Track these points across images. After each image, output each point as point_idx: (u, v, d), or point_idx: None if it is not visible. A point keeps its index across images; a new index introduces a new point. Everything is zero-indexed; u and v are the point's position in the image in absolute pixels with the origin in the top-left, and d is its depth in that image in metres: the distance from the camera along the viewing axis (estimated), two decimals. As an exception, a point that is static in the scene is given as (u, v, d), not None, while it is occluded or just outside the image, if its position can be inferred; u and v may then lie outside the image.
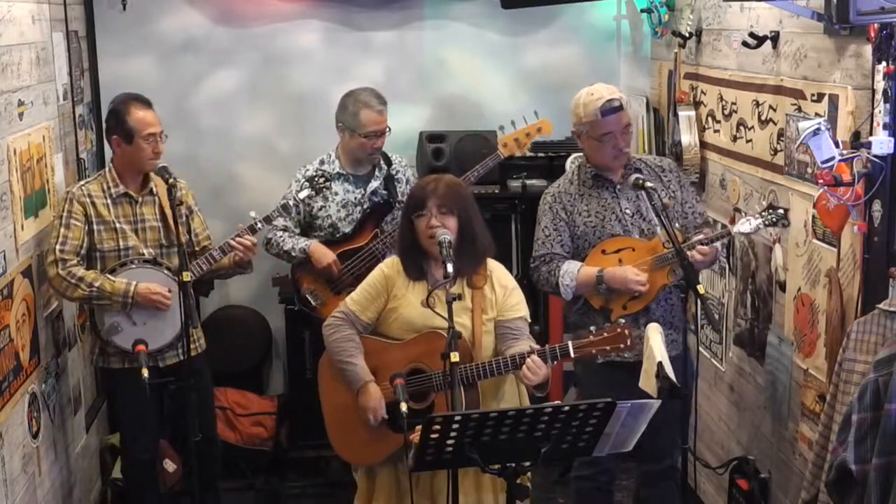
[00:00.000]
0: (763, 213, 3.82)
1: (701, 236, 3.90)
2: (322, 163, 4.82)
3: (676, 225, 3.96)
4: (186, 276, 3.86)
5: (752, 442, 4.37)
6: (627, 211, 4.01)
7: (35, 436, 4.05)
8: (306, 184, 4.51)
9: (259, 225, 4.35)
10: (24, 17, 4.22)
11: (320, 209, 4.77)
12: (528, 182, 5.50)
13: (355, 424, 3.67)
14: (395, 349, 3.61)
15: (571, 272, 3.95)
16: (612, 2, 5.84)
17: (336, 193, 4.78)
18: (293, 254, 4.71)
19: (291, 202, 4.53)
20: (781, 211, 3.79)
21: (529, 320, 3.74)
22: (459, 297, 3.50)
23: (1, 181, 3.81)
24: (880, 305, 3.19)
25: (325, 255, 4.68)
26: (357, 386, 3.60)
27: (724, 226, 4.32)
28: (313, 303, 4.77)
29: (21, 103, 4.09)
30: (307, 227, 4.83)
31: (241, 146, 5.76)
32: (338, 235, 4.77)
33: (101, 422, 5.22)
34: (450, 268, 3.37)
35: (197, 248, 4.40)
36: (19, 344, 3.90)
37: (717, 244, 3.90)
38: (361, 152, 4.75)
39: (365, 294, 3.71)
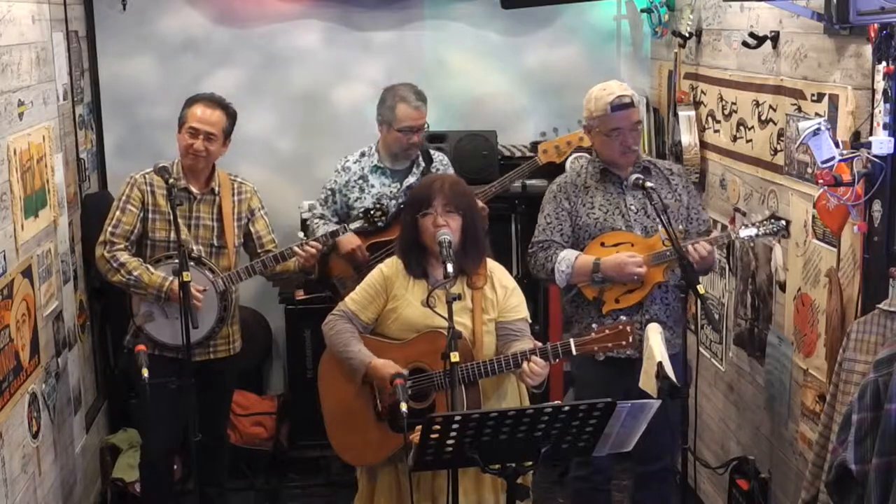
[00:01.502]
0: (763, 223, 3.83)
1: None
2: (363, 154, 4.85)
3: (680, 227, 3.98)
4: (187, 277, 3.88)
5: (752, 442, 4.37)
6: (632, 207, 4.02)
7: (35, 436, 4.05)
8: (360, 215, 4.54)
9: (342, 232, 4.50)
10: (24, 17, 4.22)
11: (356, 200, 4.80)
12: (528, 182, 5.49)
13: (355, 425, 3.67)
14: (396, 349, 3.61)
15: (568, 259, 3.98)
16: (612, 2, 5.84)
17: (372, 186, 4.80)
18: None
19: (328, 192, 4.81)
20: (783, 222, 3.81)
21: (530, 321, 3.75)
22: (459, 297, 3.50)
23: (1, 181, 3.82)
24: (880, 305, 3.19)
25: (349, 241, 4.69)
26: (363, 370, 3.59)
27: (724, 227, 4.32)
28: (341, 290, 4.79)
29: (21, 103, 4.09)
30: (344, 217, 4.86)
31: (241, 146, 5.72)
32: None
33: (101, 422, 5.22)
34: (450, 268, 3.38)
35: (260, 251, 4.44)
36: (19, 344, 3.90)
37: (714, 249, 3.92)
38: (397, 146, 4.77)
39: (363, 294, 3.71)
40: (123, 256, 4.24)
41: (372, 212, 4.51)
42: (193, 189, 4.33)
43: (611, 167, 4.06)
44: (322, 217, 4.82)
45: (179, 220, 4.26)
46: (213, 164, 4.41)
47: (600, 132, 4.00)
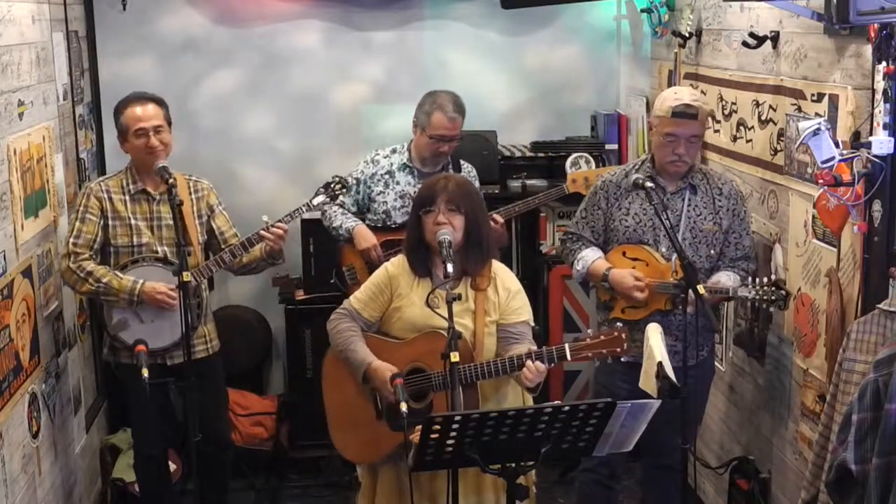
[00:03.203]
0: (765, 287, 3.81)
1: (715, 278, 3.94)
2: (394, 151, 4.87)
3: (711, 252, 4.00)
4: (186, 277, 3.88)
5: (752, 442, 4.37)
6: (666, 223, 3.99)
7: (35, 436, 4.05)
8: (322, 190, 4.49)
9: (304, 209, 4.37)
10: (24, 17, 4.22)
11: (379, 194, 4.81)
12: (528, 182, 5.50)
13: (356, 423, 3.67)
14: (396, 348, 3.61)
15: (586, 260, 4.06)
16: (612, 2, 5.84)
17: (398, 183, 4.81)
18: (339, 231, 4.77)
19: (351, 179, 4.77)
20: (783, 292, 3.81)
21: (533, 323, 3.74)
22: (459, 297, 3.50)
23: (1, 181, 3.82)
24: (880, 305, 3.19)
25: (366, 238, 4.71)
26: (362, 369, 3.59)
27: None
28: (349, 281, 4.79)
29: (21, 103, 4.09)
30: (364, 209, 4.88)
31: (241, 146, 5.76)
32: (389, 223, 4.80)
33: (101, 422, 5.22)
34: (450, 268, 3.38)
35: (223, 247, 4.40)
36: (19, 344, 3.90)
37: (729, 292, 3.89)
38: (426, 151, 4.78)
39: (367, 292, 3.71)
40: (90, 265, 4.19)
41: (332, 184, 4.48)
42: (151, 190, 4.30)
43: (660, 175, 4.05)
44: (342, 206, 4.81)
45: (141, 224, 4.27)
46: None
47: (658, 133, 4.02)
